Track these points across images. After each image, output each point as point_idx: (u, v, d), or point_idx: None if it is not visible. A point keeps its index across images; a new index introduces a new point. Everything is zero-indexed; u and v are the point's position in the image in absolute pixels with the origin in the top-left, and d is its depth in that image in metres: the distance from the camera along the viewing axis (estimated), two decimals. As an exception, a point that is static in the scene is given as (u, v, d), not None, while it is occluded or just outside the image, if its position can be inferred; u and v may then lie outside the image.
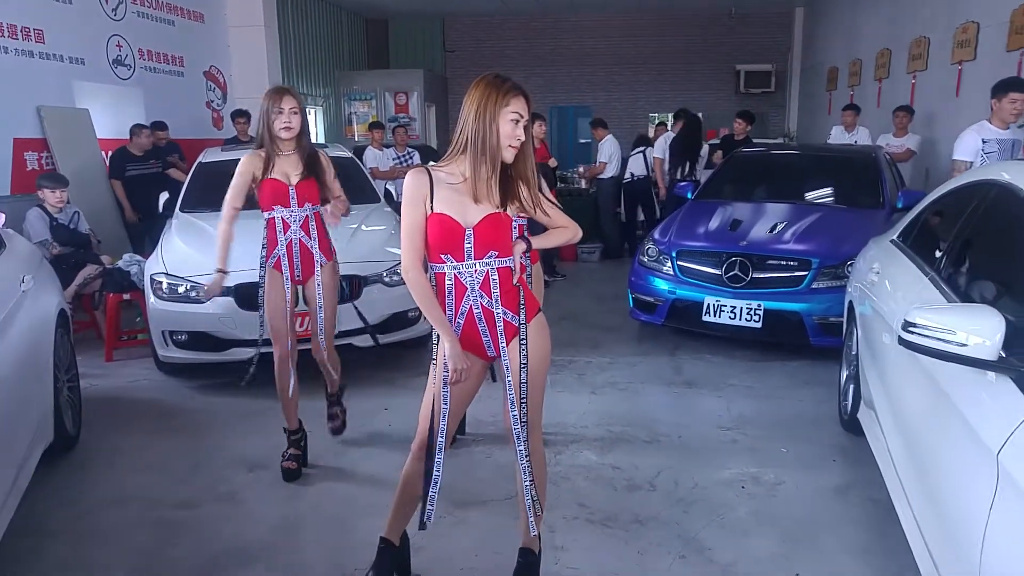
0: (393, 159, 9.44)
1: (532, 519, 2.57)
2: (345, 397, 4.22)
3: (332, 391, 4.14)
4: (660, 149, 9.36)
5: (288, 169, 3.69)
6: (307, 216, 3.71)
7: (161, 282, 4.88)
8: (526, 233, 2.84)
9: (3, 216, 4.21)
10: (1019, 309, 2.04)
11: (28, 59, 7.15)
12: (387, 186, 7.07)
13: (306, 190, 3.69)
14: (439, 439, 2.53)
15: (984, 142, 5.07)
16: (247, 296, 4.66)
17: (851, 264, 4.74)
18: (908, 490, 2.57)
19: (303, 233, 3.72)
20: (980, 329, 1.92)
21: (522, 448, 2.54)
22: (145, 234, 7.44)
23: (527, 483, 2.55)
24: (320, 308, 3.78)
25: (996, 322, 1.90)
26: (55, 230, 6.02)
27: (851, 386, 4.06)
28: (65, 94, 7.66)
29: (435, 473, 2.52)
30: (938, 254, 3.03)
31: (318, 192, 3.74)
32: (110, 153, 7.96)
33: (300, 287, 3.83)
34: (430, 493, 2.51)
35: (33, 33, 7.18)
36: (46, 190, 6.03)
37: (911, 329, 2.10)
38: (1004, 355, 1.91)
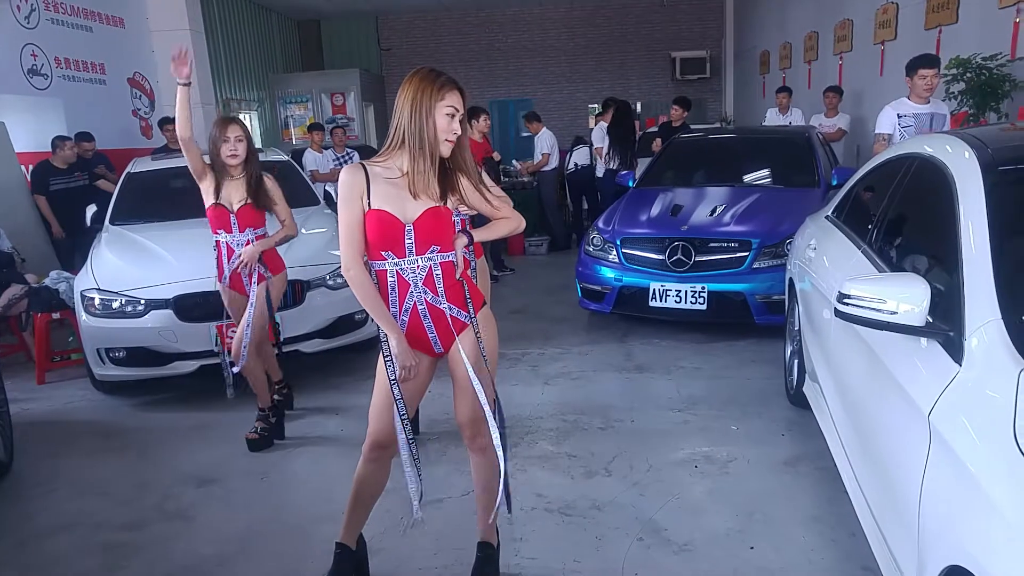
0: (333, 160, 9.33)
1: (504, 505, 2.59)
2: (275, 417, 4.23)
3: (262, 404, 4.17)
4: (598, 137, 9.43)
5: (232, 195, 3.93)
6: (249, 240, 3.93)
7: (93, 298, 4.71)
8: (468, 227, 2.83)
9: None
10: (945, 276, 2.11)
11: (-65, 73, 6.75)
12: (326, 188, 6.98)
13: (247, 215, 3.92)
14: (407, 439, 2.49)
15: (900, 116, 5.25)
16: (186, 307, 4.58)
17: (790, 242, 4.84)
18: (852, 457, 2.65)
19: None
20: (908, 296, 1.99)
21: (497, 436, 2.49)
22: (74, 250, 7.12)
23: (504, 463, 2.50)
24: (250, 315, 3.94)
25: (922, 289, 1.97)
26: (-27, 252, 5.76)
27: (795, 361, 4.16)
28: (-23, 108, 7.27)
29: (410, 470, 2.50)
30: (869, 227, 3.11)
31: (260, 216, 3.99)
32: (31, 167, 7.58)
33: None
34: (419, 490, 2.51)
35: (-61, 46, 6.76)
36: None
37: (846, 301, 2.16)
38: (931, 320, 1.98)
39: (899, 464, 1.97)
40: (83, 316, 4.74)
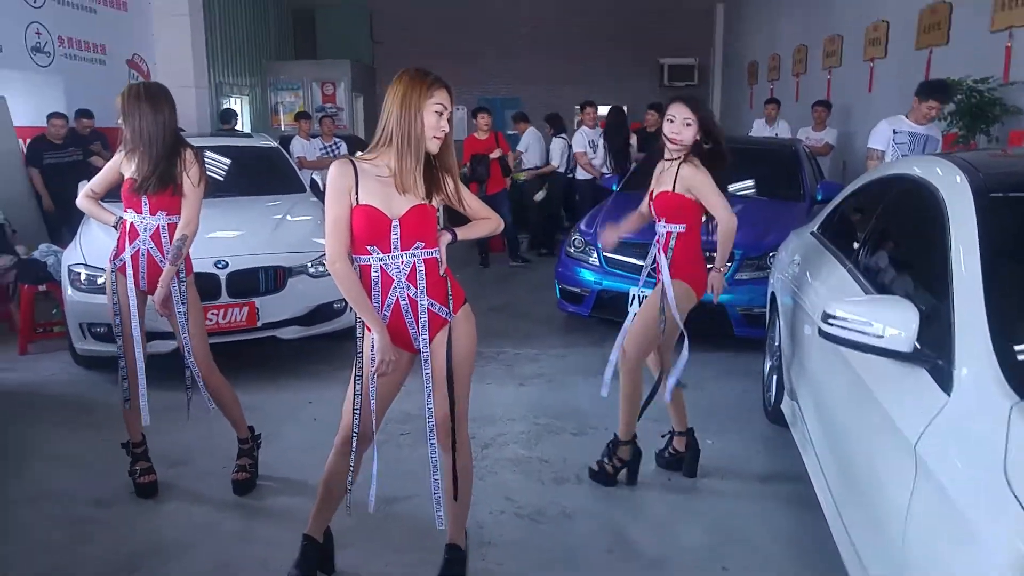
0: (320, 149, 9.27)
1: (441, 513, 2.57)
2: (258, 447, 3.63)
3: (240, 435, 3.56)
4: (580, 144, 9.16)
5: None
6: (159, 226, 3.30)
7: (79, 273, 4.70)
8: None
9: None
10: (934, 301, 2.09)
11: (-58, 46, 6.93)
12: (313, 176, 6.93)
13: (160, 199, 3.30)
14: (372, 433, 2.53)
15: (896, 133, 5.19)
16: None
17: (773, 255, 4.83)
18: (831, 481, 2.60)
19: (152, 244, 3.32)
20: (895, 321, 1.96)
21: (433, 442, 2.57)
22: (63, 224, 7.19)
23: (435, 477, 2.56)
24: (184, 329, 3.34)
25: (911, 313, 1.95)
26: (-35, 221, 5.85)
27: (774, 377, 4.14)
28: (-20, 81, 7.47)
29: (372, 466, 2.54)
30: (855, 246, 3.10)
31: (177, 202, 3.31)
32: (28, 141, 7.73)
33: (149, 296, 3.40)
34: (370, 487, 2.54)
35: (-52, 21, 6.95)
36: None
37: (830, 321, 2.13)
38: (919, 346, 1.96)
39: (882, 493, 1.94)
40: (69, 290, 4.74)
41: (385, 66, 16.07)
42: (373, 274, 2.47)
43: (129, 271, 3.34)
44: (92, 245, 4.82)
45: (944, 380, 1.85)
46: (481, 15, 16.16)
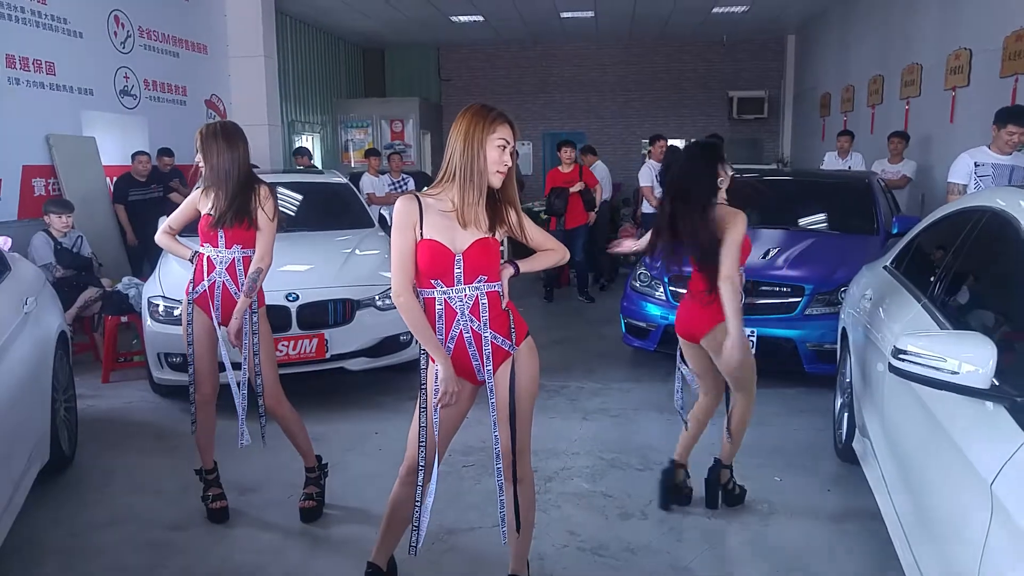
0: (389, 185, 9.48)
1: (505, 528, 2.58)
2: (326, 476, 3.71)
3: (308, 464, 3.63)
4: (647, 177, 9.15)
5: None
6: (234, 259, 3.42)
7: (158, 305, 4.89)
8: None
9: (9, 240, 4.28)
10: (1014, 337, 2.00)
11: (39, 90, 7.38)
12: (381, 211, 7.08)
13: (236, 233, 3.41)
14: (434, 464, 2.54)
15: (977, 165, 4.99)
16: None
17: (845, 290, 4.71)
18: (903, 520, 2.52)
19: (227, 276, 3.42)
20: (972, 357, 1.89)
21: (499, 467, 2.57)
22: (144, 257, 7.56)
23: (501, 498, 2.58)
24: (256, 358, 3.43)
25: (988, 349, 1.87)
26: (59, 254, 6.16)
27: (845, 414, 4.02)
28: (73, 123, 7.88)
29: (428, 499, 2.53)
30: (931, 280, 3.01)
31: (251, 236, 3.42)
32: (115, 179, 8.19)
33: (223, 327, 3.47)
34: (421, 519, 2.52)
35: (44, 65, 7.41)
36: (52, 215, 6.22)
37: (902, 356, 2.06)
38: (996, 383, 1.88)
39: (957, 533, 1.86)
40: (148, 321, 4.93)
41: (452, 103, 16.42)
42: (437, 307, 2.50)
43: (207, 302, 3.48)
44: (170, 278, 5.02)
45: (1023, 418, 1.77)
46: (547, 52, 16.37)
